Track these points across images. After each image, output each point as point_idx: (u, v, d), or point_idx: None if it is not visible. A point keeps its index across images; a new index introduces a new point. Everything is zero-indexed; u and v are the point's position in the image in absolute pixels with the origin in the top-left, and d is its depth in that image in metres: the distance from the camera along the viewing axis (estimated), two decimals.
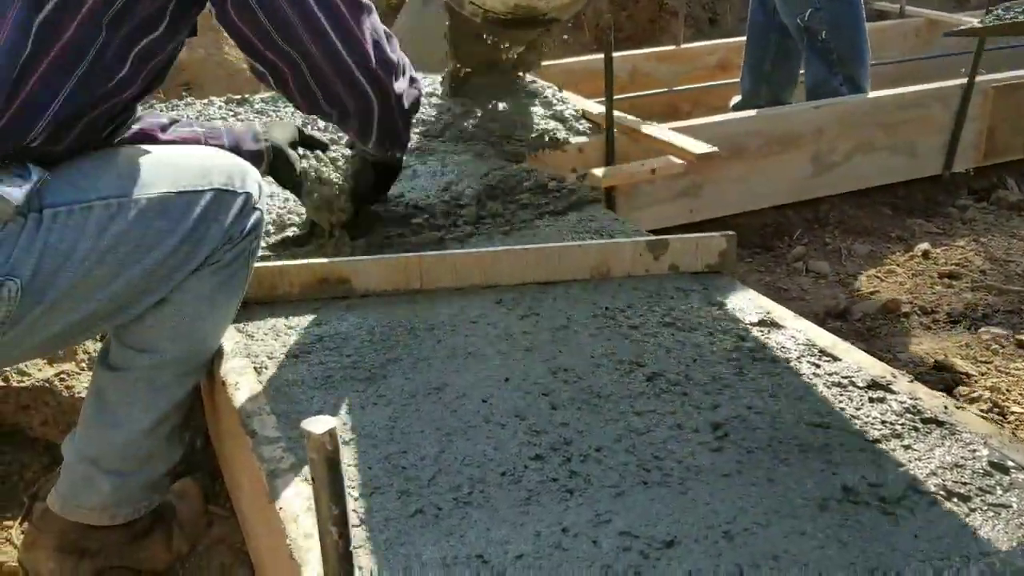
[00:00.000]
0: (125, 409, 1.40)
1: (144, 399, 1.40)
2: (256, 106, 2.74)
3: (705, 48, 3.97)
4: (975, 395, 1.87)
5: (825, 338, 1.53)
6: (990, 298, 2.48)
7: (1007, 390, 1.93)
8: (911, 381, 1.39)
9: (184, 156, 1.41)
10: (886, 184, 3.18)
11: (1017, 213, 3.16)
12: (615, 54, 3.83)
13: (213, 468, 1.75)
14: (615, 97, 2.63)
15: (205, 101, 2.79)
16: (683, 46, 3.89)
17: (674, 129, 2.73)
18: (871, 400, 1.34)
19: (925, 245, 2.84)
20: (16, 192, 1.17)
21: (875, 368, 1.42)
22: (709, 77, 3.86)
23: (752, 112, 2.90)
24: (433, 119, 2.69)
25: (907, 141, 3.15)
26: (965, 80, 3.14)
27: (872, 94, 3.11)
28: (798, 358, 1.46)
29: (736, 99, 3.59)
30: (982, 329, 2.25)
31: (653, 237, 1.79)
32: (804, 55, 3.24)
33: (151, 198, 1.29)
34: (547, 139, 2.61)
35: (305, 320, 1.63)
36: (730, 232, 1.78)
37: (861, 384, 1.38)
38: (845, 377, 1.40)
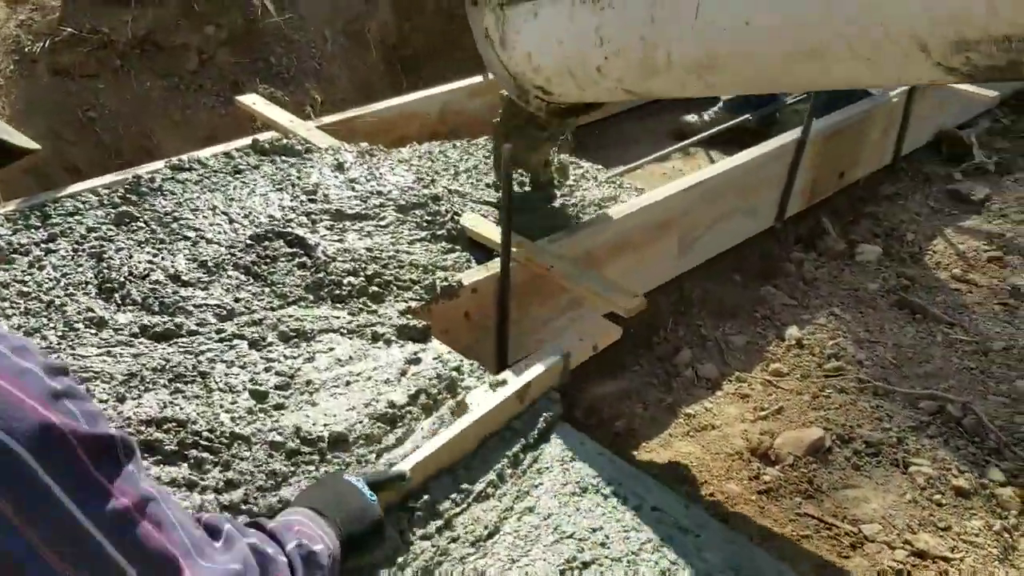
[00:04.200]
0: None
1: None
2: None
3: None
4: None
5: None
6: (886, 405, 2.50)
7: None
8: None
9: None
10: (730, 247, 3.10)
11: (844, 262, 3.25)
12: (424, 92, 3.36)
13: None
14: None
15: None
16: (491, 77, 3.44)
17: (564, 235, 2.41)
18: None
19: (795, 331, 2.81)
20: None
21: None
22: None
23: (634, 206, 2.61)
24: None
25: (752, 201, 3.07)
26: (799, 135, 3.10)
27: (724, 164, 2.95)
28: None
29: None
30: (912, 469, 2.25)
31: None
32: None
33: None
34: (438, 288, 2.14)
35: None
36: None
37: None
38: None
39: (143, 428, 1.64)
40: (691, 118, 3.90)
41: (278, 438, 1.65)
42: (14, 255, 2.13)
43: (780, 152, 3.08)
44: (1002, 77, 1.36)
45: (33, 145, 0.99)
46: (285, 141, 2.74)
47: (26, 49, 2.81)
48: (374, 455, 1.65)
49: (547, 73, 2.14)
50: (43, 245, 2.17)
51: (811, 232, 3.39)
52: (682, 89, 1.91)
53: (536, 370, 1.83)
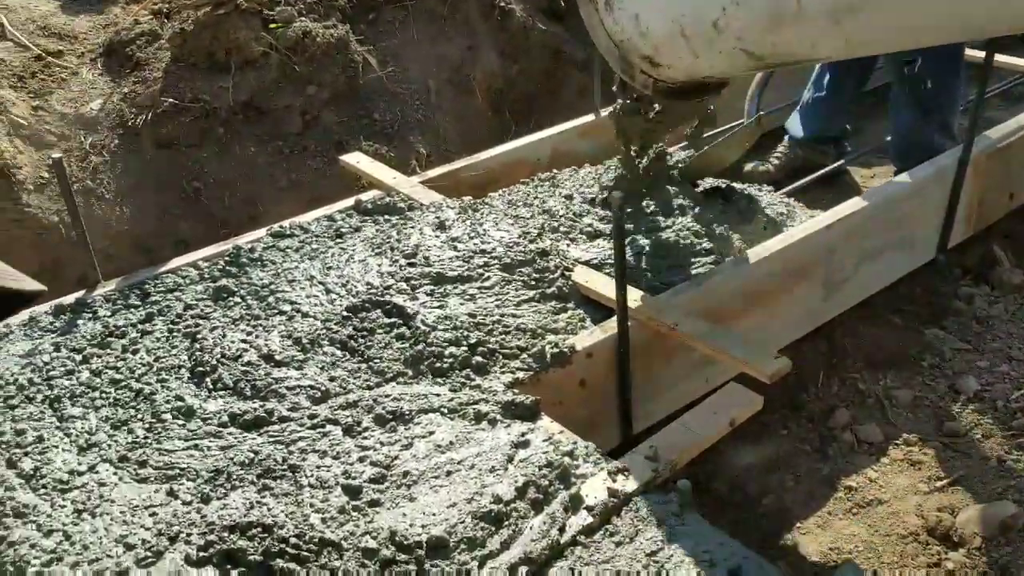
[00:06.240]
0: None
1: None
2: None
3: None
4: None
5: None
6: None
7: None
8: None
9: None
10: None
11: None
12: (532, 136, 3.18)
13: None
14: None
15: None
16: (603, 115, 3.22)
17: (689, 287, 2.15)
18: None
19: (971, 382, 2.41)
20: None
21: None
22: None
23: (766, 251, 2.31)
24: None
25: (906, 233, 2.70)
26: (959, 155, 2.72)
27: (872, 191, 2.61)
28: None
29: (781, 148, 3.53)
30: None
31: None
32: (897, 101, 3.22)
33: None
34: (548, 355, 1.92)
35: None
36: None
37: None
38: None
39: (226, 535, 1.48)
40: (752, 166, 3.47)
41: (371, 543, 1.46)
42: (110, 339, 2.06)
43: (937, 176, 2.71)
44: None
45: (40, 287, 0.95)
46: (388, 199, 2.61)
47: (129, 122, 2.81)
48: (476, 562, 1.43)
49: (656, 38, 1.86)
50: (139, 326, 2.10)
51: (981, 262, 2.97)
52: (814, 47, 1.58)
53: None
